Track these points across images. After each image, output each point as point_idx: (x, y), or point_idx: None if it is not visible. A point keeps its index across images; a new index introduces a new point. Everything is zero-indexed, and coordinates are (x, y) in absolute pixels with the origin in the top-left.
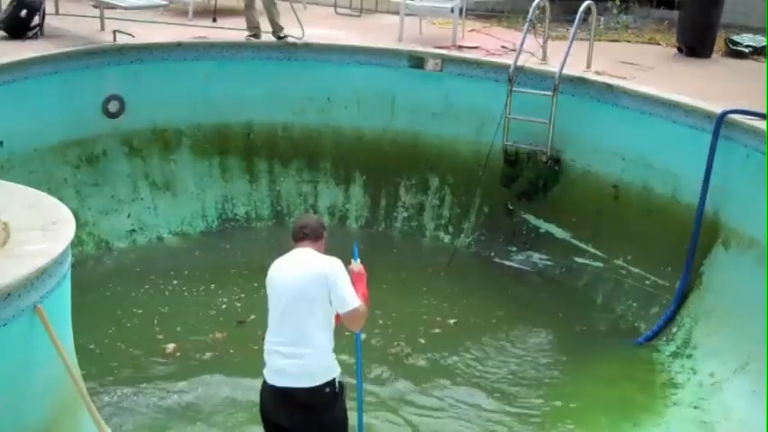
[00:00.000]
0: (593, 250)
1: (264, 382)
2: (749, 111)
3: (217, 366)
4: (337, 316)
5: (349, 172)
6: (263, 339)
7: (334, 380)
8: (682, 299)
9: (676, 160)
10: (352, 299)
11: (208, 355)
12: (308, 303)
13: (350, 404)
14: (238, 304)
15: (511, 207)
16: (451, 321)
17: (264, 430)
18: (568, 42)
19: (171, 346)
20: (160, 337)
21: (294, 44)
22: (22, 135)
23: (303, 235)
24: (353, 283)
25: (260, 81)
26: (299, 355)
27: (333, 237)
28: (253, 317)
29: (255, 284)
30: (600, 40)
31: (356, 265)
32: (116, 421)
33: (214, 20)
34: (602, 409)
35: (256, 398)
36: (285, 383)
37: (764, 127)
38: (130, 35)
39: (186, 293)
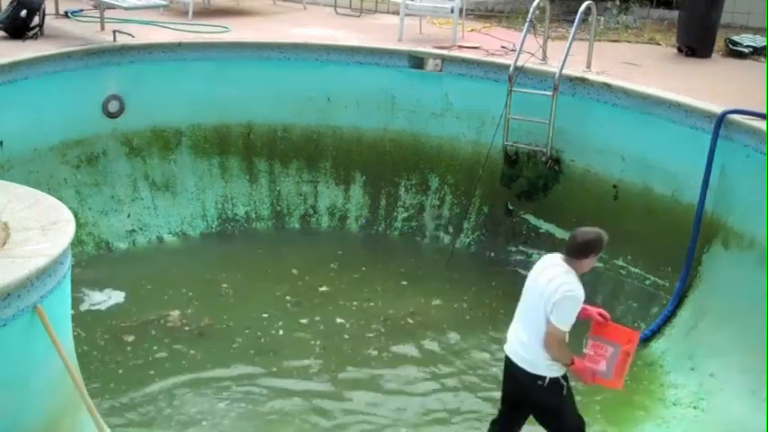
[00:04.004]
0: None
1: None
2: (749, 111)
3: (214, 366)
4: None
5: (349, 172)
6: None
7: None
8: (681, 299)
9: (676, 160)
10: None
11: (204, 355)
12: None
13: None
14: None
15: (511, 207)
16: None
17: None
18: (568, 42)
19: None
20: (159, 336)
21: (294, 44)
22: (22, 135)
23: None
24: None
25: (260, 81)
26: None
27: (332, 237)
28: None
29: (255, 285)
30: (600, 40)
31: None
32: (115, 421)
33: None
34: (601, 409)
35: (254, 398)
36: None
37: (764, 127)
38: (130, 35)
39: (186, 293)
